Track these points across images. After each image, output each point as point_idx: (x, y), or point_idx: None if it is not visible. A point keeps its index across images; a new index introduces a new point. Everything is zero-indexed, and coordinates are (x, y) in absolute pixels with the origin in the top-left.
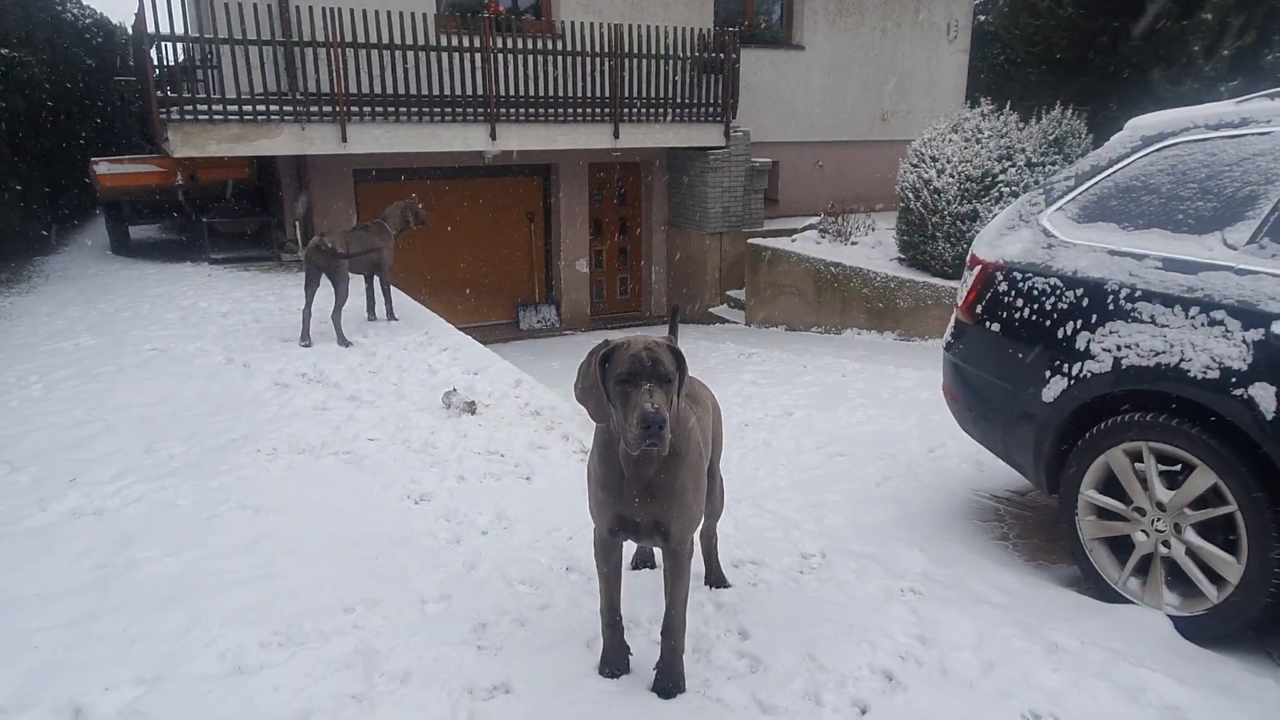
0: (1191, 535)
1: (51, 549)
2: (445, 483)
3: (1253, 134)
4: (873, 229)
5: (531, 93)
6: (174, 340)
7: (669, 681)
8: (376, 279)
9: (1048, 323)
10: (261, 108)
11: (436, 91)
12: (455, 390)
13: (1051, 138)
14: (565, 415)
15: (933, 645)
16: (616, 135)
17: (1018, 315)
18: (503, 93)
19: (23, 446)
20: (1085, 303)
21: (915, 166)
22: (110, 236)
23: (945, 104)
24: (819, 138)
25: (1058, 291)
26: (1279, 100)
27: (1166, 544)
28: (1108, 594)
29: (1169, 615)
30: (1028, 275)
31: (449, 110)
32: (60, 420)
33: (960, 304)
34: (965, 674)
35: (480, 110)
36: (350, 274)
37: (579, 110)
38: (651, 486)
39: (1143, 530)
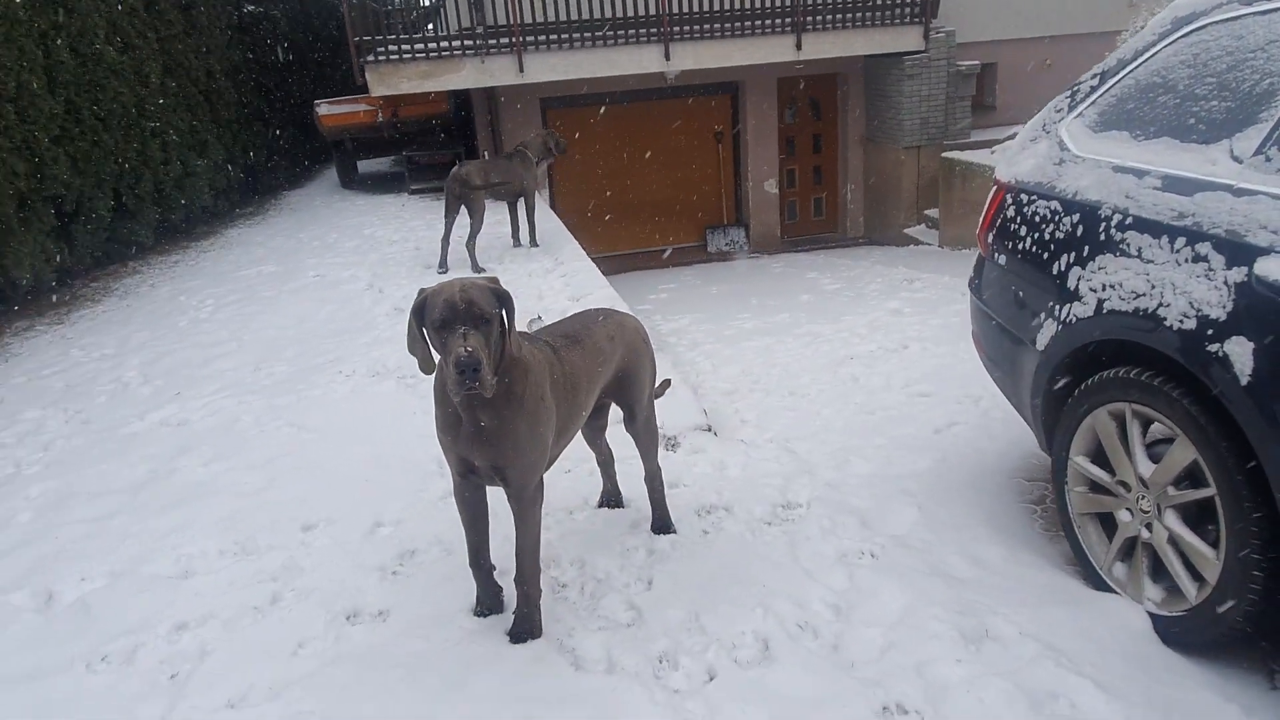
0: (1173, 520)
1: (125, 453)
2: None
3: None
4: None
5: (706, 8)
6: (336, 267)
7: (521, 627)
8: (520, 206)
9: (1045, 255)
10: (445, 44)
11: (608, 14)
12: (540, 318)
13: None
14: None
15: (845, 618)
16: (799, 46)
17: (1020, 246)
18: (676, 10)
19: (163, 363)
20: (1079, 231)
21: None
22: (338, 172)
23: None
24: (1047, 32)
25: (1057, 218)
26: None
27: (1149, 527)
28: (1095, 579)
29: (1149, 613)
30: (1033, 198)
31: (622, 33)
32: (206, 339)
33: (978, 232)
34: (855, 654)
35: (653, 30)
36: (495, 201)
37: (757, 22)
38: (485, 431)
39: (1127, 508)
